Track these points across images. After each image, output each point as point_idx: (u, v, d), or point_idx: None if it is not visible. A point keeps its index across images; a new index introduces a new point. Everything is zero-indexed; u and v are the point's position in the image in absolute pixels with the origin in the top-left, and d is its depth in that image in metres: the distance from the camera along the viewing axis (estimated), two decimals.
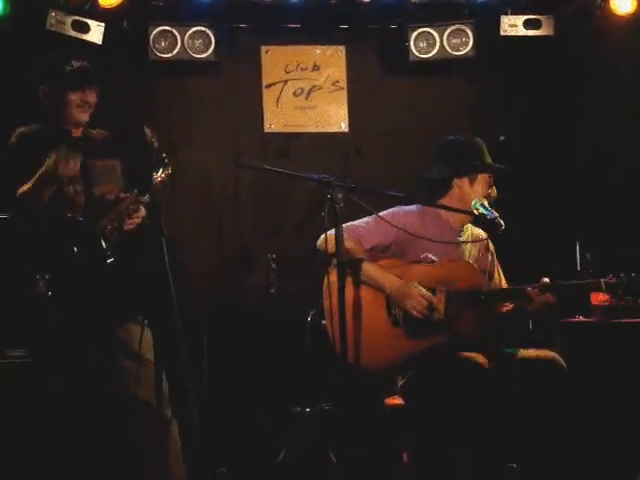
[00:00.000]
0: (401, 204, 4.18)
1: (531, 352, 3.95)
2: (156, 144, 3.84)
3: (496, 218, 3.93)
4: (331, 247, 3.76)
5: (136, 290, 3.89)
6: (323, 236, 4.02)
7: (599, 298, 5.12)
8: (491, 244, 4.28)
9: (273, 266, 5.64)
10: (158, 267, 3.48)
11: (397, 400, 4.11)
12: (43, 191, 3.79)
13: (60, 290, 3.67)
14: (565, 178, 6.10)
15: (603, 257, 4.85)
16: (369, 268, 3.95)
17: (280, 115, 6.24)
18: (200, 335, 5.48)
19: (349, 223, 3.88)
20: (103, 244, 3.74)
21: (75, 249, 3.67)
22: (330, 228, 3.50)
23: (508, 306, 4.07)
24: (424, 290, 3.89)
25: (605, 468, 4.37)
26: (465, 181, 4.15)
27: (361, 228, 4.02)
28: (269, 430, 5.46)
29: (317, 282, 4.40)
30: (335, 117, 6.29)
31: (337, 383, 3.73)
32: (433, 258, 4.04)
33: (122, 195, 3.94)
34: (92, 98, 3.98)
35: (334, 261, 3.84)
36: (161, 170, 3.94)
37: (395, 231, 4.03)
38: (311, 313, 4.99)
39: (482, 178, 4.15)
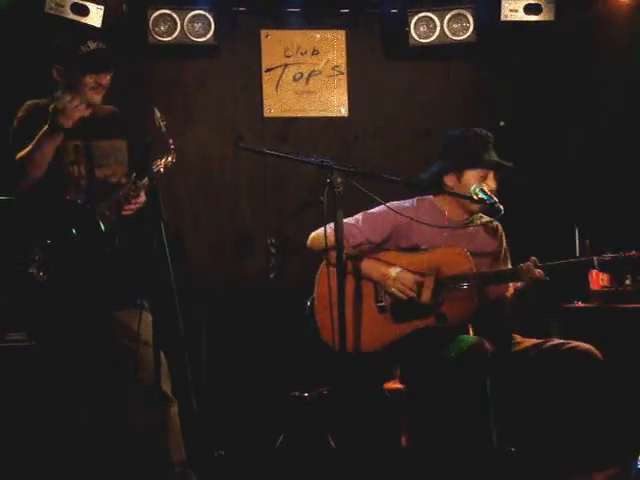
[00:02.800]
0: (400, 188, 4.17)
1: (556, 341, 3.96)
2: (164, 128, 3.84)
3: (495, 203, 3.94)
4: (317, 245, 4.01)
5: (135, 274, 3.90)
6: (312, 235, 4.06)
7: (598, 283, 5.14)
8: (501, 232, 4.27)
9: (272, 251, 5.63)
10: (157, 251, 3.48)
11: (396, 384, 4.12)
12: (43, 148, 3.75)
13: (58, 272, 3.67)
14: (564, 163, 6.09)
15: (603, 243, 4.84)
16: (356, 261, 3.99)
17: (279, 99, 6.22)
18: (199, 320, 5.49)
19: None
20: (102, 227, 3.74)
21: (74, 231, 3.67)
22: (329, 212, 3.50)
23: (509, 292, 4.08)
24: (409, 273, 3.93)
25: (602, 451, 4.38)
26: (452, 178, 4.14)
27: (349, 225, 4.02)
28: (267, 414, 5.47)
29: (316, 267, 4.41)
30: (335, 102, 6.27)
31: (335, 369, 3.75)
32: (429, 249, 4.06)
33: (123, 180, 3.94)
34: (106, 80, 3.97)
35: (323, 255, 4.00)
36: (165, 156, 3.94)
37: (388, 229, 4.07)
38: (310, 298, 4.99)
39: (470, 173, 4.12)
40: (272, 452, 5.09)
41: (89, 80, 3.91)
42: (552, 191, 6.03)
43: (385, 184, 3.85)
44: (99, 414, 3.94)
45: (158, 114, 3.80)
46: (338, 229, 3.44)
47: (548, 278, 3.84)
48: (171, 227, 3.62)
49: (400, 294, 3.91)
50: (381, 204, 4.08)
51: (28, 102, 3.99)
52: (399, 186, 4.06)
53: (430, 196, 4.26)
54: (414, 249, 4.06)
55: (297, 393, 5.26)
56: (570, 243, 5.47)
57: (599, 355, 3.86)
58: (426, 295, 3.91)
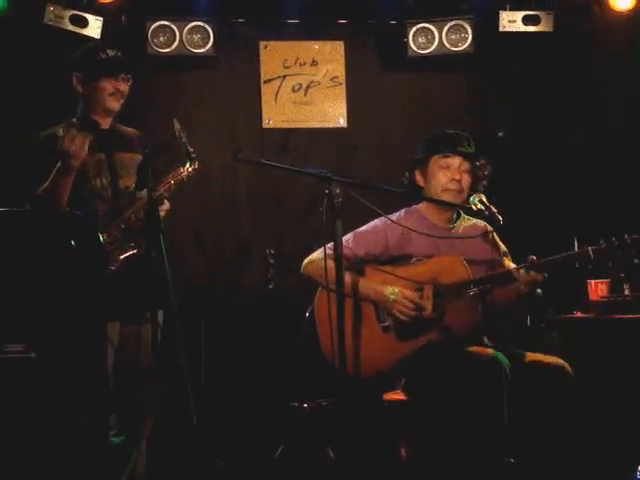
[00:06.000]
0: (399, 199, 4.18)
1: (540, 356, 3.91)
2: (184, 138, 3.87)
3: (494, 214, 3.92)
4: (313, 271, 3.97)
5: (136, 286, 3.90)
6: (305, 261, 4.04)
7: (597, 293, 5.13)
8: (492, 234, 4.22)
9: (271, 261, 5.63)
10: (156, 262, 3.49)
11: (396, 395, 4.11)
12: (61, 184, 3.78)
13: (58, 285, 3.67)
14: (563, 173, 6.09)
15: None
16: (351, 282, 3.93)
17: (278, 110, 6.23)
18: (198, 330, 5.48)
19: (328, 244, 3.77)
20: (101, 238, 3.75)
21: (73, 243, 3.67)
22: (328, 223, 3.48)
23: (506, 296, 4.04)
24: (408, 291, 3.90)
25: (602, 463, 4.37)
26: (420, 177, 4.14)
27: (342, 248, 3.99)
28: (266, 425, 5.46)
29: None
30: (333, 112, 6.28)
31: (334, 380, 3.74)
32: (422, 259, 4.03)
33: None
34: (124, 87, 4.01)
35: (319, 282, 3.96)
36: (188, 164, 3.96)
37: (381, 244, 4.04)
38: (309, 309, 4.98)
39: (432, 166, 4.09)
40: (271, 463, 5.08)
41: (107, 86, 3.95)
42: (551, 202, 6.04)
43: (384, 195, 3.85)
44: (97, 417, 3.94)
45: (177, 125, 3.85)
46: (337, 241, 3.42)
47: (546, 275, 3.80)
48: (170, 237, 3.62)
49: (402, 316, 3.88)
50: (371, 220, 4.09)
51: (41, 133, 4.00)
52: (398, 197, 4.08)
53: (418, 205, 4.24)
54: (408, 262, 4.03)
55: (296, 404, 5.26)
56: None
57: (569, 370, 3.82)
58: (427, 309, 3.88)
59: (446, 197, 4.05)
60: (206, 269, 6.08)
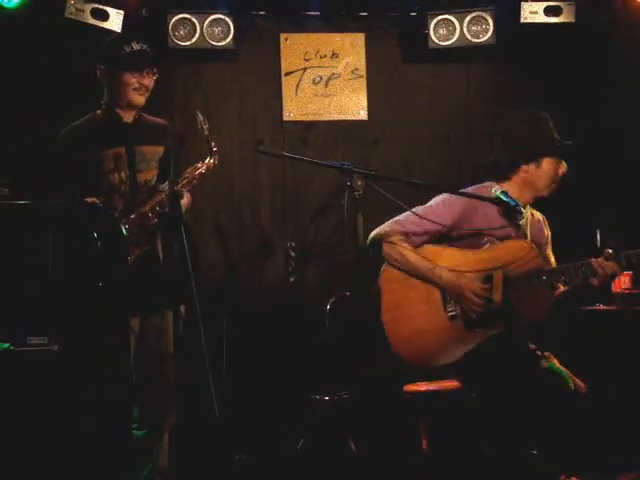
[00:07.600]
0: (422, 192, 4.14)
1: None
2: (207, 131, 3.87)
3: (517, 206, 3.88)
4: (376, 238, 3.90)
5: (158, 279, 3.91)
6: (372, 234, 3.94)
7: (620, 285, 5.11)
8: (545, 221, 4.20)
9: (292, 254, 5.63)
10: (178, 255, 3.50)
11: (416, 387, 4.10)
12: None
13: (79, 277, 3.69)
14: (585, 165, 6.05)
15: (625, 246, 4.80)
16: (419, 264, 3.86)
17: (299, 103, 6.23)
18: (220, 324, 5.50)
19: (397, 218, 3.83)
20: (123, 231, 3.76)
21: (95, 235, 3.69)
22: (350, 216, 3.46)
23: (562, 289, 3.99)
24: (476, 285, 3.79)
25: (623, 453, 4.36)
26: (532, 165, 4.03)
27: (409, 223, 3.90)
28: (287, 418, 5.47)
29: (336, 271, 4.36)
30: (354, 105, 6.27)
31: (357, 372, 3.73)
32: (494, 242, 3.95)
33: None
34: (149, 81, 4.01)
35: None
36: (208, 158, 3.97)
37: (453, 216, 3.91)
38: (330, 302, 4.99)
39: (546, 164, 4.04)
40: (292, 456, 5.09)
41: (131, 80, 3.95)
42: (572, 194, 5.99)
43: (405, 187, 3.83)
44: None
45: (201, 117, 3.86)
46: (357, 233, 3.41)
47: (624, 266, 3.73)
48: (191, 231, 3.63)
49: (472, 314, 3.78)
50: (439, 195, 3.98)
51: (63, 131, 4.03)
52: (419, 189, 4.05)
53: (490, 182, 4.13)
54: (479, 244, 3.91)
55: (317, 397, 5.26)
56: (592, 247, 5.43)
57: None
58: (497, 297, 3.78)
59: (545, 194, 4.05)
60: (227, 262, 6.08)
